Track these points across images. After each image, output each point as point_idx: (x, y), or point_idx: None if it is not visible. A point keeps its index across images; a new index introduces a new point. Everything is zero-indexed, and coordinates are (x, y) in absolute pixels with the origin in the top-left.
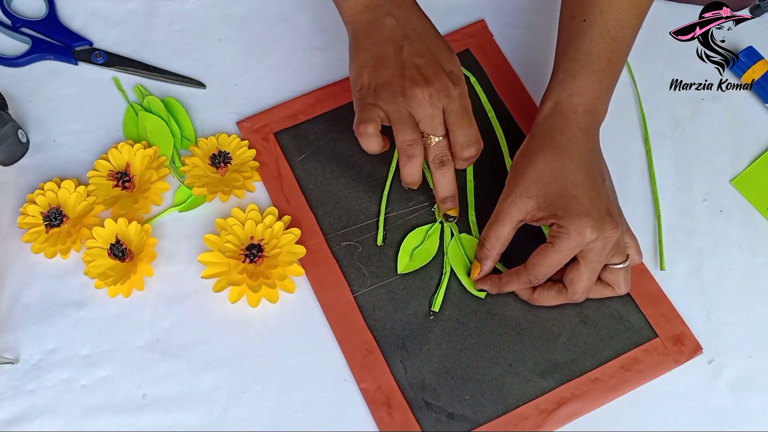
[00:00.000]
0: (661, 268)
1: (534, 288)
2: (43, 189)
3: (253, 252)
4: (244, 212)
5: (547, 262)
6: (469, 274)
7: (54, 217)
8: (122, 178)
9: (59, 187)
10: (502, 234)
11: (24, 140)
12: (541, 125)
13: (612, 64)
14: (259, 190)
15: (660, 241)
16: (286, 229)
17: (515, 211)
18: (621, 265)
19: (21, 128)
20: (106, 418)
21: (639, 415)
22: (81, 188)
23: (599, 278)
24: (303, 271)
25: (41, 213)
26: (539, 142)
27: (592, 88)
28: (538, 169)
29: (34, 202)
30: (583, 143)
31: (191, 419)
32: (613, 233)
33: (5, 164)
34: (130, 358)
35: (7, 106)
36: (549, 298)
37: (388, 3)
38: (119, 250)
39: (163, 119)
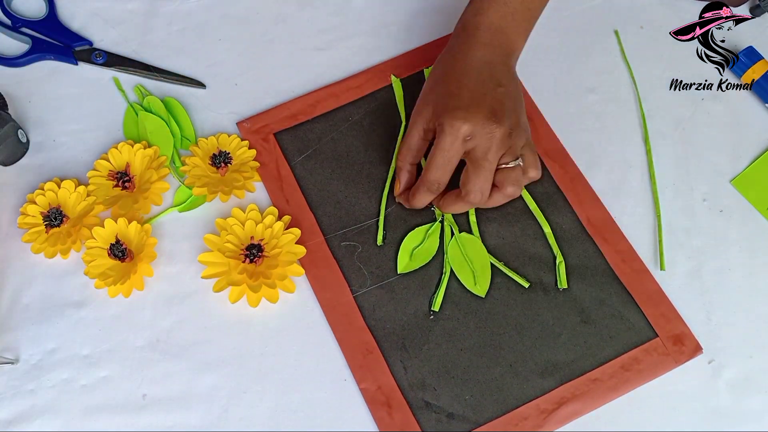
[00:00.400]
0: (661, 268)
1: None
2: (43, 189)
3: (253, 252)
4: (244, 212)
5: (435, 163)
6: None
7: (54, 217)
8: (122, 178)
9: (59, 187)
10: (410, 143)
11: (24, 140)
12: (449, 44)
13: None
14: (259, 191)
15: (660, 242)
16: (286, 229)
17: (419, 119)
18: (511, 164)
19: (21, 128)
20: (106, 418)
21: (639, 415)
22: (81, 188)
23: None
24: (303, 271)
25: (41, 213)
26: (442, 56)
27: (497, 9)
28: (434, 77)
29: (34, 202)
30: (479, 54)
31: (191, 419)
32: (495, 129)
33: (5, 164)
34: (130, 358)
35: (7, 106)
36: (449, 203)
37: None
38: (119, 250)
39: (163, 119)
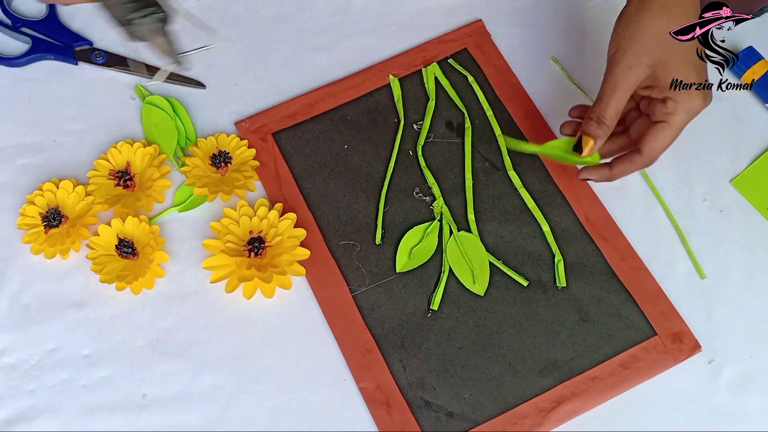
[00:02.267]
0: (702, 276)
1: (610, 167)
2: (41, 190)
3: (256, 245)
4: (235, 210)
5: (665, 143)
6: (577, 149)
7: (53, 218)
8: (123, 177)
9: (57, 187)
10: (621, 105)
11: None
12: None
13: None
14: (257, 190)
15: (688, 249)
16: (281, 216)
17: (632, 78)
18: None
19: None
20: (106, 418)
21: (639, 414)
22: (80, 188)
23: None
24: (309, 252)
25: (40, 214)
26: (639, 5)
27: None
28: (644, 34)
29: (33, 203)
30: (683, 0)
31: (191, 419)
32: (709, 102)
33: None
34: (130, 358)
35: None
36: (627, 168)
37: None
38: (127, 247)
39: (168, 115)
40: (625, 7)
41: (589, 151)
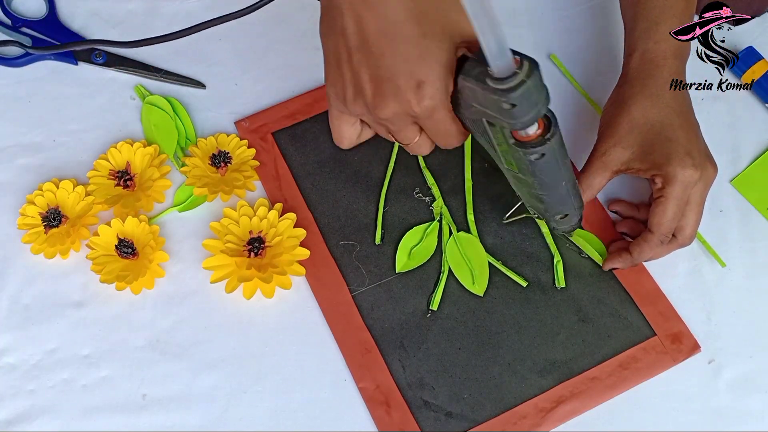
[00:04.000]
0: (722, 265)
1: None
2: (41, 190)
3: (256, 245)
4: (235, 210)
5: (669, 215)
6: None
7: (52, 218)
8: (123, 177)
9: (57, 187)
10: (594, 183)
11: None
12: (631, 74)
13: (689, 4)
14: (257, 190)
15: (703, 241)
16: (281, 216)
17: (611, 162)
18: None
19: None
20: (106, 418)
21: (639, 415)
22: (80, 188)
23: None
24: (308, 252)
25: (40, 214)
26: (630, 90)
27: (665, 35)
28: (632, 118)
29: (33, 203)
30: (676, 92)
31: (191, 419)
32: (713, 173)
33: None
34: (130, 358)
35: None
36: (644, 249)
37: None
38: (127, 247)
39: (168, 115)
40: (614, 92)
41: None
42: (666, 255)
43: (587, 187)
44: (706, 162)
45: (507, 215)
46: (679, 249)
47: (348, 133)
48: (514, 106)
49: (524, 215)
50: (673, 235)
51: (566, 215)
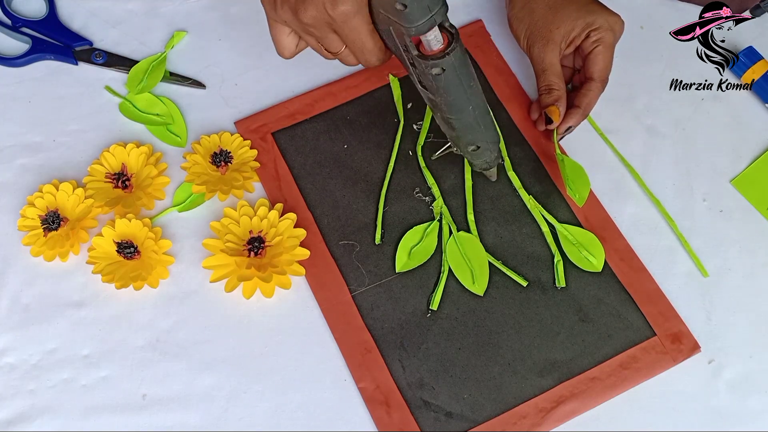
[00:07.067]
0: (704, 275)
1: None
2: (41, 191)
3: (256, 244)
4: (236, 210)
5: (609, 60)
6: (549, 123)
7: (51, 221)
8: (120, 178)
9: (57, 189)
10: (546, 59)
11: None
12: None
13: None
14: (256, 190)
15: (688, 247)
16: (282, 216)
17: (559, 38)
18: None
19: None
20: (106, 418)
21: (639, 415)
22: (79, 190)
23: None
24: (308, 252)
25: (39, 216)
26: None
27: None
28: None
29: (33, 205)
30: None
31: (191, 419)
32: (621, 22)
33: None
34: (130, 358)
35: None
36: (590, 96)
37: None
38: (129, 246)
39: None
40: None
41: (558, 117)
42: (594, 103)
43: (556, 77)
44: (613, 13)
45: (436, 153)
46: None
47: (286, 42)
48: (405, 7)
49: (449, 150)
50: (593, 79)
51: (478, 147)
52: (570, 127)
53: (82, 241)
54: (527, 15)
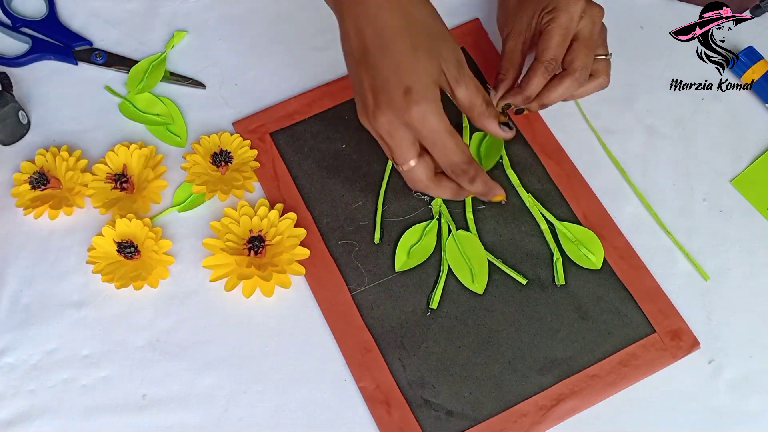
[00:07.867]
0: (705, 278)
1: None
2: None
3: (256, 244)
4: (236, 209)
5: (554, 41)
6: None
7: (37, 182)
8: (120, 179)
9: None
10: (514, 56)
11: (24, 121)
12: None
13: None
14: (257, 190)
15: (684, 251)
16: (282, 215)
17: (519, 29)
18: (605, 57)
19: (22, 109)
20: (106, 418)
21: (639, 414)
22: (77, 152)
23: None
24: (308, 251)
25: (27, 179)
26: None
27: None
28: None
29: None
30: None
31: (191, 419)
32: (598, 12)
33: (5, 143)
34: (130, 358)
35: (11, 87)
36: (559, 90)
37: None
38: (129, 246)
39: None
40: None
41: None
42: (562, 97)
43: (505, 52)
44: (592, 1)
45: None
46: (581, 99)
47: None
48: None
49: None
50: (564, 68)
51: None
52: (513, 106)
53: (78, 205)
54: (502, 10)
